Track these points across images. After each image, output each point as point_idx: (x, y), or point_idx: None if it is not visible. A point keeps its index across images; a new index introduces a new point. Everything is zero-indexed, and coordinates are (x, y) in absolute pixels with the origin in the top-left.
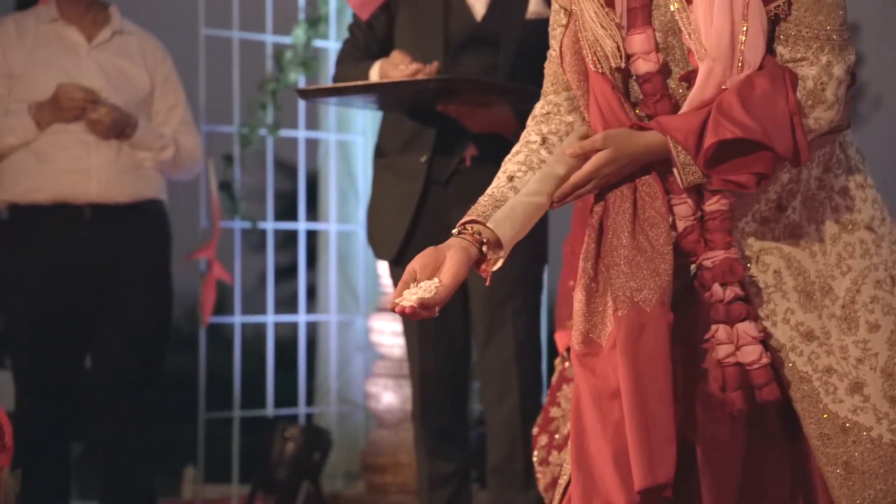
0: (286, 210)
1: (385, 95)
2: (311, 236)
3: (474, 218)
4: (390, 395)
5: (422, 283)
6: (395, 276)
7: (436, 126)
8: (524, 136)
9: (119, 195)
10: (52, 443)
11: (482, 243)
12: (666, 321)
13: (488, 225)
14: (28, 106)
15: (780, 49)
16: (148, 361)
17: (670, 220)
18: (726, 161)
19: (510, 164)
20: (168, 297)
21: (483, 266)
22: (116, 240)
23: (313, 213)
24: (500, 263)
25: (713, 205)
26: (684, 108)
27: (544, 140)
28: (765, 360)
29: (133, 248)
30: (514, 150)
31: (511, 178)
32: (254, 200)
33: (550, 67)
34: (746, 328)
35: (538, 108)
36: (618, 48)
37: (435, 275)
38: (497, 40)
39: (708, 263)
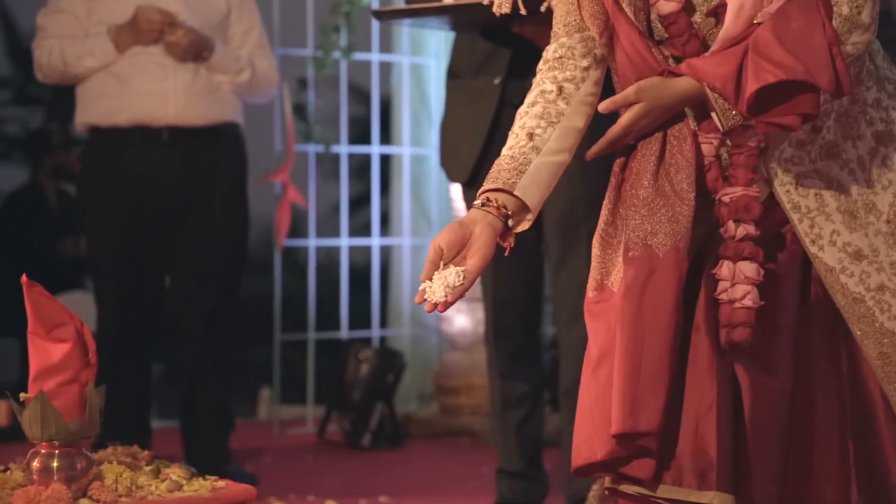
0: (359, 135)
1: (460, 16)
2: (385, 161)
3: (500, 186)
4: (463, 318)
5: (448, 271)
6: (468, 198)
7: (510, 47)
8: (538, 83)
9: (196, 118)
10: (133, 362)
11: (507, 216)
12: (678, 268)
13: (515, 193)
14: (107, 28)
15: None
16: (226, 283)
17: (697, 163)
18: (769, 102)
19: (528, 119)
20: (245, 218)
21: (508, 239)
22: (194, 162)
23: (386, 137)
24: (527, 226)
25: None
26: (715, 47)
27: (561, 90)
28: (747, 302)
29: (211, 170)
30: (529, 99)
31: (531, 136)
32: (327, 124)
33: (561, 7)
34: (744, 267)
35: (550, 52)
36: None
37: (461, 252)
38: None
39: (726, 199)
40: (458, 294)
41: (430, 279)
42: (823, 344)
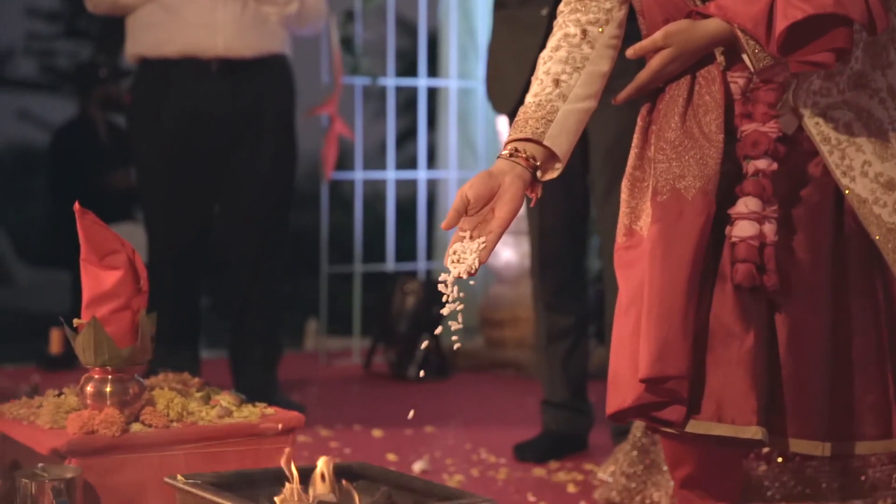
0: (406, 68)
1: None
2: (431, 94)
3: (529, 136)
4: (509, 251)
5: (464, 245)
6: None
7: None
8: (560, 26)
9: (245, 49)
10: (183, 293)
11: (536, 167)
12: (706, 211)
13: (545, 143)
14: None
15: None
16: (274, 215)
17: (725, 103)
18: (801, 40)
19: (553, 64)
20: (293, 150)
21: (536, 190)
22: (243, 94)
23: (434, 69)
24: (555, 175)
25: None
26: None
27: (585, 33)
28: (736, 237)
29: (260, 101)
30: (552, 43)
31: (557, 83)
32: (374, 56)
33: None
34: (745, 203)
35: None
36: None
37: (489, 203)
38: None
39: (741, 136)
40: (485, 259)
41: (459, 234)
42: (859, 276)
